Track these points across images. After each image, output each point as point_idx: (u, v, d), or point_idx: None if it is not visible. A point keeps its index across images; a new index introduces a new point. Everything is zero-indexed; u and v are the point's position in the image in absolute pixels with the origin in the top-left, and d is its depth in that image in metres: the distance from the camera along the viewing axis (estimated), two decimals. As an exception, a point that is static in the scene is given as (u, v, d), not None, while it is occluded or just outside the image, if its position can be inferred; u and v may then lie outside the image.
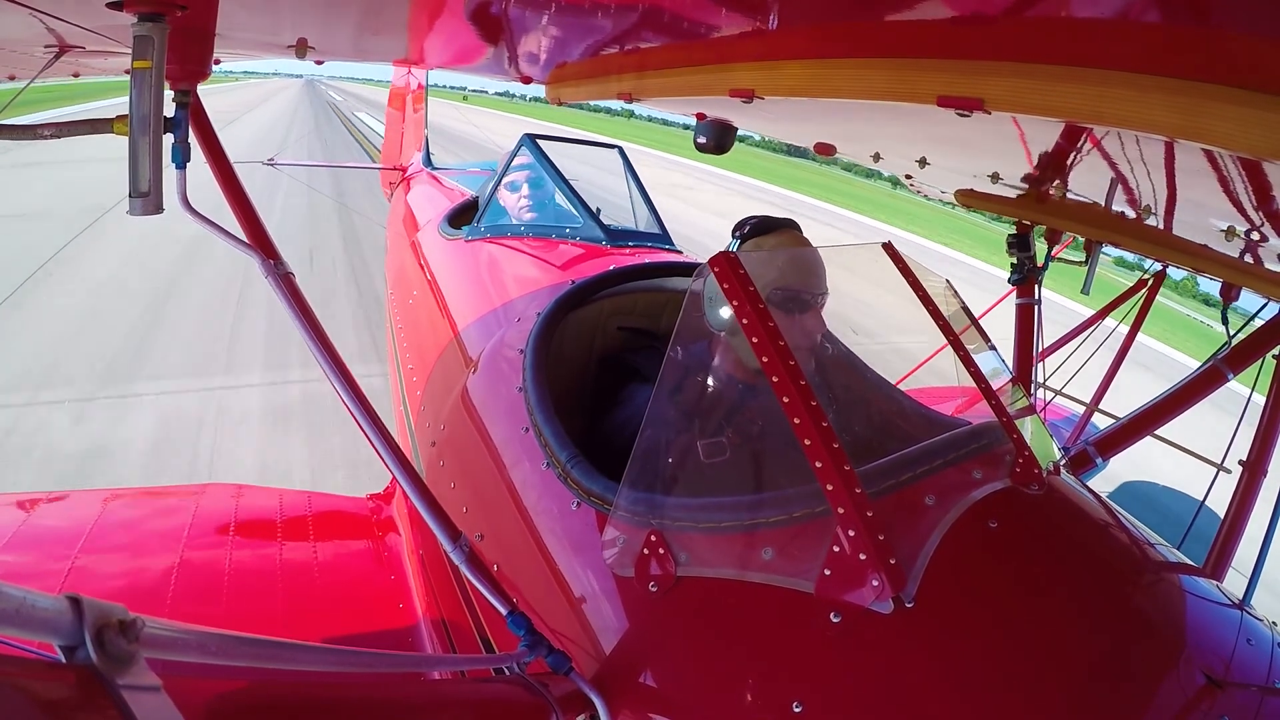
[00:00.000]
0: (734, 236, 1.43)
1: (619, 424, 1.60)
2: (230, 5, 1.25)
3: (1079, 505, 1.18)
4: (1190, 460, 2.63)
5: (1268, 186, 0.90)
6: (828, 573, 0.94)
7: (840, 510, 0.93)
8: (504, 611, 1.13)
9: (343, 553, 2.05)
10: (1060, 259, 2.44)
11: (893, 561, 0.91)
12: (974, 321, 1.39)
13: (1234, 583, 1.47)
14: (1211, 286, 1.84)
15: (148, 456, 4.02)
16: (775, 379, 1.00)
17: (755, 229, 1.42)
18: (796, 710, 0.88)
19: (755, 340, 1.03)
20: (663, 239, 2.86)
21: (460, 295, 2.56)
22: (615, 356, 1.91)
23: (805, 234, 1.43)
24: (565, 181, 2.91)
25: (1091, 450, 2.21)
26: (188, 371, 5.12)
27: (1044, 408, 2.67)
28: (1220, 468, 2.15)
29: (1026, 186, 1.80)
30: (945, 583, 0.94)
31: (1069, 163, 1.34)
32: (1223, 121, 0.62)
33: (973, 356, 1.29)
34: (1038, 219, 2.08)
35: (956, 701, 0.87)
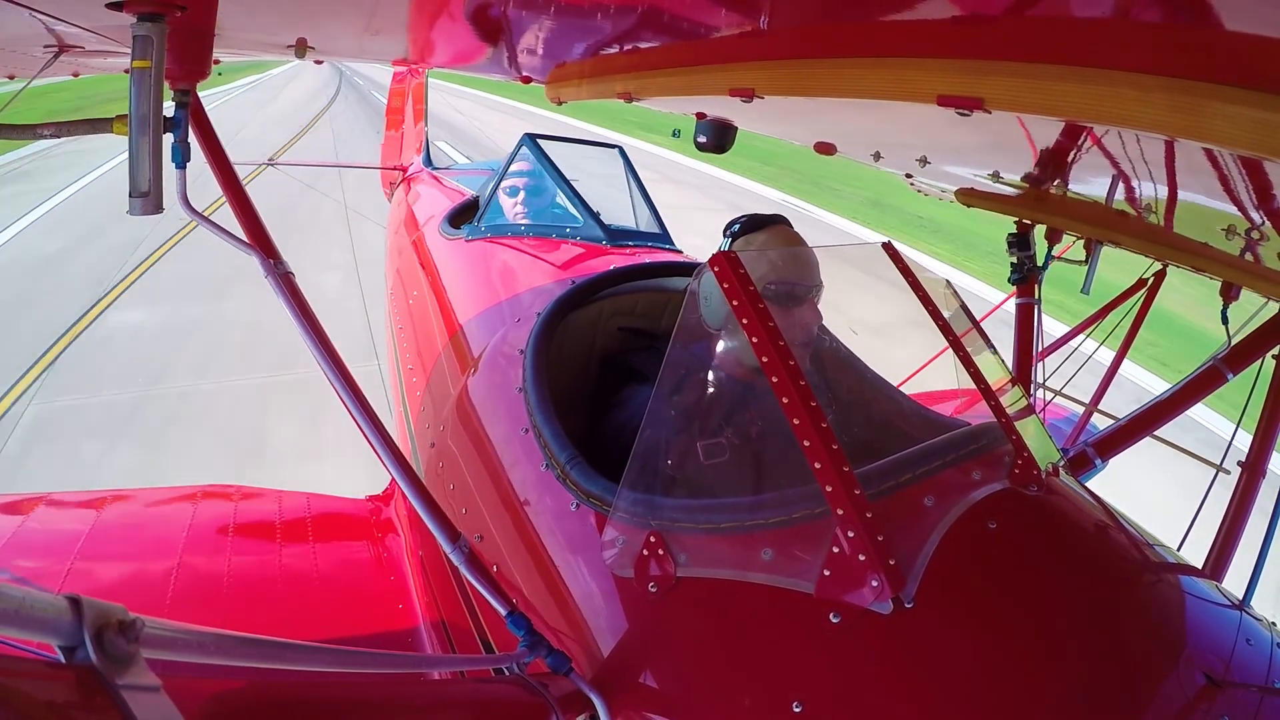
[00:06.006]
0: (724, 236, 1.43)
1: (619, 425, 1.60)
2: (230, 5, 1.25)
3: (1078, 506, 1.18)
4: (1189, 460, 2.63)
5: (1268, 185, 0.90)
6: (827, 573, 0.94)
7: (839, 511, 0.93)
8: (504, 612, 1.13)
9: (342, 554, 2.04)
10: (1061, 259, 2.44)
11: (892, 562, 0.91)
12: (974, 323, 1.39)
13: (1234, 583, 1.47)
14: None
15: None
16: (775, 379, 1.00)
17: (745, 226, 1.42)
18: (796, 710, 0.88)
19: (755, 340, 1.03)
20: (663, 239, 2.86)
21: (460, 295, 2.56)
22: (615, 357, 1.91)
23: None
24: (565, 181, 2.91)
25: (1091, 451, 2.21)
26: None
27: (1044, 408, 2.66)
28: (1220, 468, 2.14)
29: (1027, 185, 1.80)
30: (944, 583, 0.94)
31: (1069, 161, 1.34)
32: (1224, 120, 0.62)
33: (972, 357, 1.29)
34: (1038, 218, 2.08)
35: (956, 702, 0.87)
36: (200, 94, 1.42)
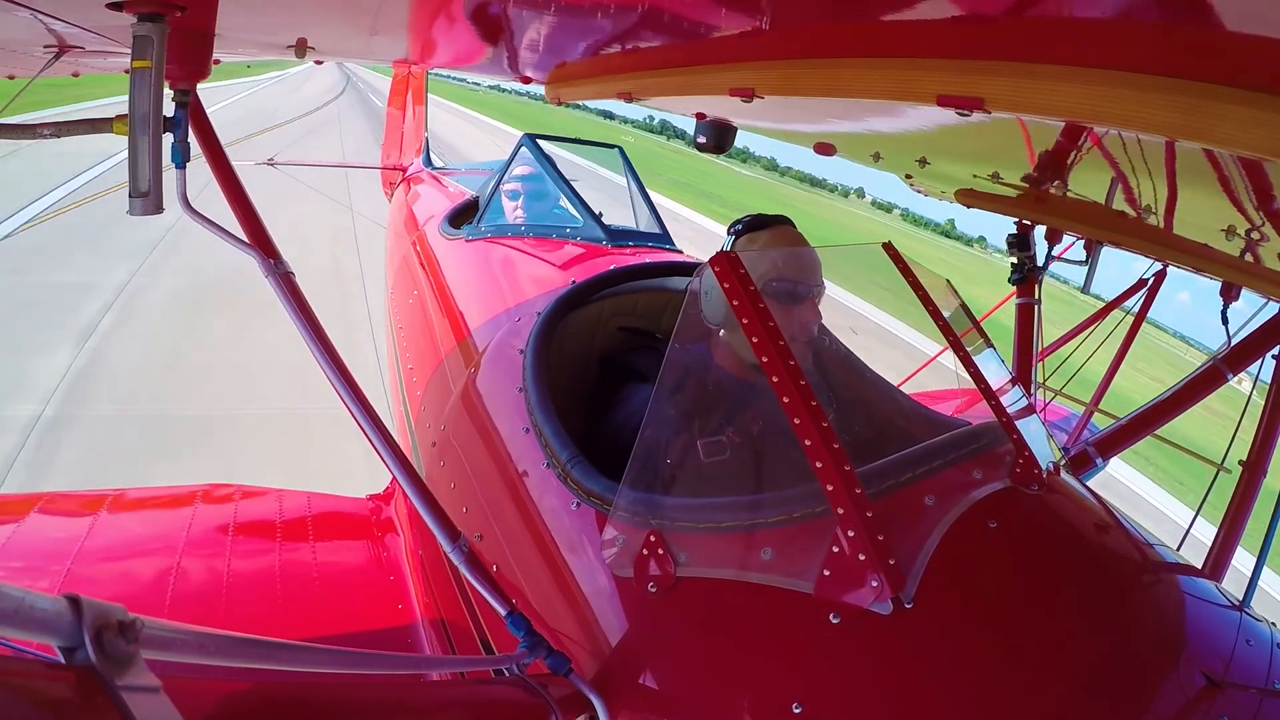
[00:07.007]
0: (729, 234, 1.43)
1: (619, 424, 1.60)
2: (230, 6, 1.25)
3: (1078, 506, 1.17)
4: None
5: (1268, 186, 0.90)
6: (827, 573, 0.94)
7: (840, 511, 0.93)
8: (503, 612, 1.13)
9: (342, 554, 2.04)
10: (1061, 259, 2.44)
11: (892, 562, 0.91)
12: (975, 322, 1.39)
13: (1234, 583, 1.47)
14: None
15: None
16: (775, 379, 1.00)
17: (749, 225, 1.42)
18: (796, 711, 0.88)
19: (755, 340, 1.03)
20: (663, 239, 2.86)
21: (461, 295, 2.56)
22: (616, 356, 1.91)
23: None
24: (565, 182, 2.91)
25: (1091, 450, 2.21)
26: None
27: (1044, 408, 2.66)
28: (1220, 468, 2.15)
29: (1027, 186, 1.80)
30: (944, 583, 0.94)
31: (1069, 162, 1.34)
32: (1223, 121, 0.62)
33: (972, 357, 1.29)
34: (1038, 218, 2.08)
35: (955, 702, 0.87)
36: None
